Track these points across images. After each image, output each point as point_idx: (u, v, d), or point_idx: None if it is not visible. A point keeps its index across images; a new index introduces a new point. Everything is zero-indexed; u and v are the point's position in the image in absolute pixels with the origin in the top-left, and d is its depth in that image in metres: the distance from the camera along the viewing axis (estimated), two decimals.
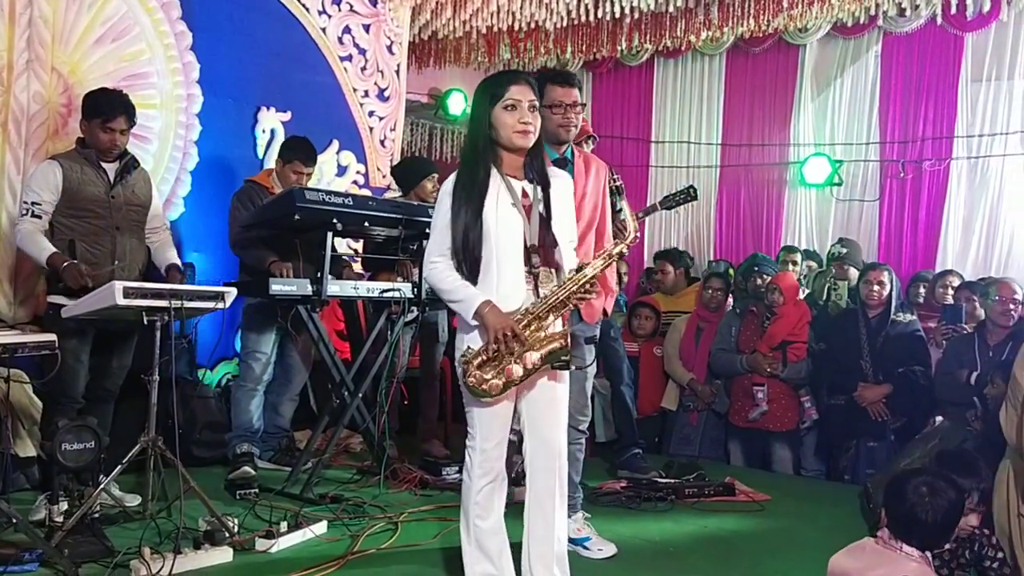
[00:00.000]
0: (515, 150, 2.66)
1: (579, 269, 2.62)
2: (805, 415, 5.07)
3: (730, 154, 7.45)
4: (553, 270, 2.70)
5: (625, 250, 2.75)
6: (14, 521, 2.94)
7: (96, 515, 3.26)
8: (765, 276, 5.34)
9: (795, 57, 7.15)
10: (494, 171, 2.65)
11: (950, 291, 5.30)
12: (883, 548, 2.33)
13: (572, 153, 3.29)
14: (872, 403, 4.72)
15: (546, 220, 2.68)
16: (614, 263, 2.98)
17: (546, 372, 2.63)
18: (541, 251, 2.65)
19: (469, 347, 2.60)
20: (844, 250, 5.90)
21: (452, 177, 2.68)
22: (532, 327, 2.57)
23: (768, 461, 5.12)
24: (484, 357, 2.56)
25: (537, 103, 2.66)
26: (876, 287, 4.79)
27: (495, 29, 6.87)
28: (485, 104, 2.64)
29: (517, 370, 2.55)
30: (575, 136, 3.38)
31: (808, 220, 7.09)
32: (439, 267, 2.65)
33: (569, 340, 2.57)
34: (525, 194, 2.67)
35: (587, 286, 2.59)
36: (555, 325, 2.61)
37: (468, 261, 2.60)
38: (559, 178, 2.78)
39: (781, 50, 7.17)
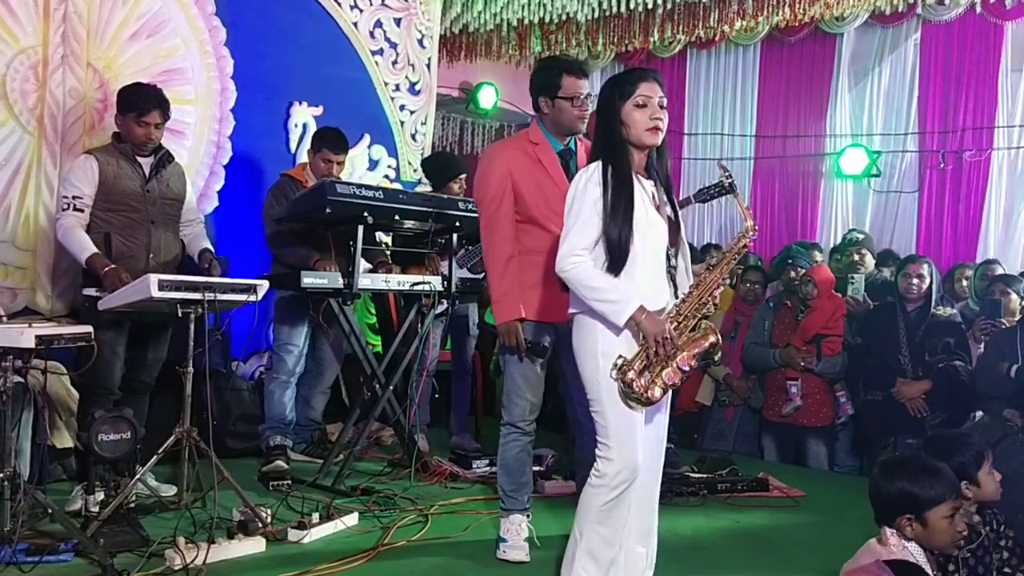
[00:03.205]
0: (641, 148, 2.62)
1: (710, 268, 2.62)
2: (840, 410, 5.00)
3: (764, 146, 7.35)
4: (685, 270, 2.71)
5: (748, 243, 2.72)
6: (50, 511, 2.98)
7: (132, 505, 3.31)
8: (799, 269, 5.27)
9: (832, 47, 7.03)
10: None
11: (964, 283, 5.19)
12: (875, 543, 2.33)
13: (575, 143, 3.24)
14: (911, 399, 4.64)
15: (675, 223, 2.68)
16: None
17: None
18: (674, 251, 2.66)
19: (622, 356, 2.49)
20: (861, 236, 5.79)
21: (593, 168, 2.58)
22: (680, 328, 2.53)
23: (802, 457, 5.06)
24: (642, 364, 2.49)
25: (665, 100, 2.62)
26: (915, 280, 4.70)
27: (526, 22, 6.85)
28: (615, 100, 2.60)
29: (675, 374, 2.50)
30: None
31: (845, 212, 6.98)
32: (586, 263, 2.53)
33: (719, 336, 2.55)
34: (653, 196, 2.65)
35: (721, 283, 2.60)
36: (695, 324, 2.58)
37: (619, 259, 2.51)
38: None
39: (817, 40, 7.05)
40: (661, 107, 2.59)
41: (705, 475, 4.35)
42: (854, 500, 4.18)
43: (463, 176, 4.96)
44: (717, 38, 7.14)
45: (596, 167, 2.58)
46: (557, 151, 3.17)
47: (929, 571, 2.28)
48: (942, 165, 6.52)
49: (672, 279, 2.64)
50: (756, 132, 7.40)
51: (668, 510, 3.88)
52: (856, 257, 5.56)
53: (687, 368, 2.51)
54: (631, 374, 2.47)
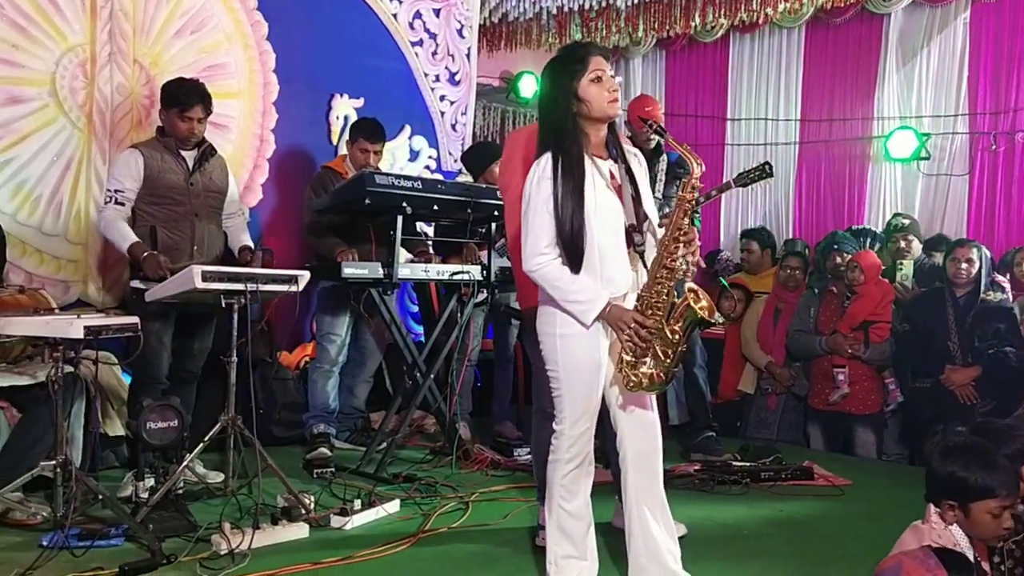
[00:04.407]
0: (605, 121, 2.59)
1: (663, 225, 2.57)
2: (889, 397, 4.92)
3: (810, 130, 7.21)
4: (654, 244, 2.65)
5: (696, 183, 2.54)
6: (101, 497, 3.07)
7: (180, 491, 3.39)
8: (845, 254, 5.18)
9: (879, 27, 6.86)
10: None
11: None
12: (920, 524, 2.30)
13: None
14: (960, 386, 4.54)
15: (637, 199, 2.63)
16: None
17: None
18: (639, 228, 2.61)
19: (621, 355, 2.51)
20: (907, 221, 5.65)
21: (544, 161, 2.54)
22: (654, 304, 2.48)
23: (850, 445, 4.98)
24: (631, 356, 2.50)
25: (614, 73, 2.61)
26: (964, 265, 4.59)
27: (565, 9, 6.83)
28: (566, 80, 2.56)
29: (667, 348, 2.47)
30: None
31: (893, 196, 6.81)
32: (553, 262, 2.51)
33: (699, 292, 2.47)
34: (612, 175, 2.61)
35: (678, 239, 2.48)
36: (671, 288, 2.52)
37: (574, 250, 2.49)
38: (635, 155, 2.74)
39: (864, 20, 6.89)
40: (613, 78, 2.57)
41: (748, 463, 4.31)
42: (902, 489, 4.13)
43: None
44: (760, 21, 7.02)
45: (547, 160, 2.54)
46: None
47: (970, 556, 2.23)
48: (994, 147, 6.34)
49: (641, 256, 2.61)
50: (801, 116, 7.25)
51: (710, 498, 3.87)
52: (902, 244, 5.43)
53: (676, 339, 2.45)
54: (628, 372, 2.49)
